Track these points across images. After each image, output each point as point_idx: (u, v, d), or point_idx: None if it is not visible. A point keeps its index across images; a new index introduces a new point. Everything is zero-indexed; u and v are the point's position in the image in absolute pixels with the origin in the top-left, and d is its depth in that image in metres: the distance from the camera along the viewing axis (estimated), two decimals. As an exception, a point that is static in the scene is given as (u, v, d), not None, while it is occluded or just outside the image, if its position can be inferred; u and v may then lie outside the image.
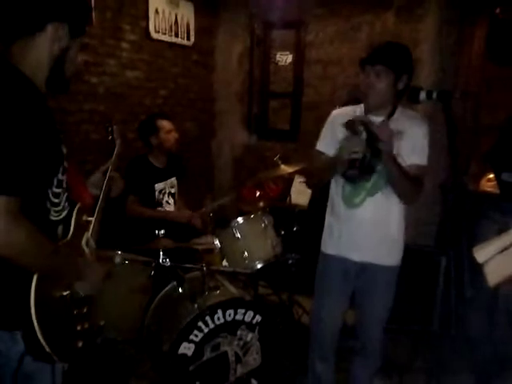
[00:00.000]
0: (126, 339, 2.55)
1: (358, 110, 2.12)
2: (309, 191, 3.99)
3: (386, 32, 4.24)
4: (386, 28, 4.25)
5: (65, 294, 1.33)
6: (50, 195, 1.30)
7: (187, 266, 2.47)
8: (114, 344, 2.59)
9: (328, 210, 2.21)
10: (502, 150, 3.09)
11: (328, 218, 2.21)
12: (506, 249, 2.26)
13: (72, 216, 1.41)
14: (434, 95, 1.88)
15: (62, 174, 1.34)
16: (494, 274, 2.17)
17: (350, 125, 1.90)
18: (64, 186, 1.35)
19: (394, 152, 1.89)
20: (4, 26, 1.27)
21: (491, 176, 3.83)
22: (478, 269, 2.16)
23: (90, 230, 1.53)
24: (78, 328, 1.39)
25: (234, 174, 5.17)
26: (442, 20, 4.05)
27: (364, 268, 2.11)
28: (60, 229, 1.37)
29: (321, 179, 2.20)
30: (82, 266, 1.40)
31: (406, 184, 1.95)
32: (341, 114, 2.12)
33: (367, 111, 2.06)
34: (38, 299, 1.20)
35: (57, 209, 1.34)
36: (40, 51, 1.27)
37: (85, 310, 1.42)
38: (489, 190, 3.84)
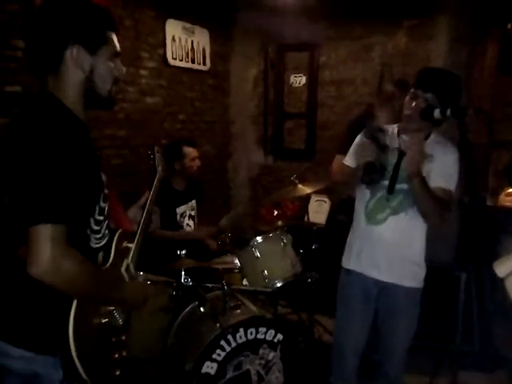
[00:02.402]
0: (148, 359, 2.58)
1: (390, 129, 2.14)
2: (326, 209, 4.02)
3: (398, 52, 4.32)
4: (397, 47, 4.33)
5: (103, 321, 1.33)
6: (92, 222, 1.31)
7: (208, 285, 2.50)
8: (137, 363, 2.62)
9: (352, 225, 2.23)
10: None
11: (351, 234, 2.22)
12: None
13: (112, 242, 1.42)
14: (449, 112, 1.91)
15: (104, 202, 1.35)
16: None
17: (366, 132, 1.96)
18: (105, 213, 1.36)
19: (423, 174, 1.91)
20: (30, 64, 1.30)
21: (510, 191, 3.83)
22: (499, 284, 2.16)
23: (130, 257, 1.52)
24: (116, 356, 1.38)
25: (251, 195, 5.23)
26: (452, 38, 4.11)
27: (384, 288, 2.10)
28: (100, 256, 1.38)
29: (342, 191, 2.23)
30: (124, 292, 1.40)
31: (430, 203, 1.94)
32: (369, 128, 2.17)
33: (403, 131, 2.09)
34: (76, 325, 1.21)
35: (98, 236, 1.35)
36: (69, 80, 1.28)
37: (123, 338, 1.41)
38: (508, 204, 3.83)
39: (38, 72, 1.30)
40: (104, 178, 1.36)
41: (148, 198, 1.82)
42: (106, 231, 1.39)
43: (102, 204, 1.33)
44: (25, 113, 1.25)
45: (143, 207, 1.80)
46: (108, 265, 1.39)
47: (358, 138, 2.15)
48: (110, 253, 1.41)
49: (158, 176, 1.95)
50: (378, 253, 2.07)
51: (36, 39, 1.26)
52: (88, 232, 1.31)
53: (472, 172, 1.94)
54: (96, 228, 1.33)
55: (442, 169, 1.99)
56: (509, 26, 4.76)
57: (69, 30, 1.25)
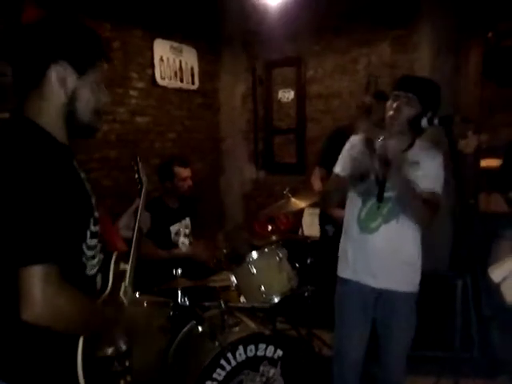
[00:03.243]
0: (149, 381, 2.55)
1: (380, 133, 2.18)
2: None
3: (383, 63, 4.37)
4: (382, 59, 4.39)
5: (109, 353, 1.28)
6: (85, 249, 1.24)
7: (205, 304, 2.49)
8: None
9: (343, 233, 2.24)
10: (508, 171, 3.15)
11: (342, 242, 2.23)
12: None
13: (110, 267, 1.38)
14: (436, 121, 1.94)
15: (95, 225, 1.28)
16: (511, 292, 2.19)
17: (365, 141, 1.99)
18: (98, 236, 1.31)
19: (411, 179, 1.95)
20: (15, 84, 1.23)
21: (502, 195, 3.86)
22: (494, 289, 2.18)
23: (127, 279, 1.49)
24: (122, 383, 1.33)
25: (245, 210, 5.23)
26: (436, 48, 4.17)
27: (381, 295, 2.11)
28: (98, 281, 1.33)
29: (332, 199, 2.28)
30: (125, 321, 1.36)
31: (417, 205, 1.98)
32: (359, 136, 2.21)
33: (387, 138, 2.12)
34: (85, 363, 1.16)
35: (93, 262, 1.29)
36: (51, 100, 1.20)
37: (127, 364, 1.35)
38: (499, 209, 3.86)
39: (22, 93, 1.22)
40: (93, 200, 1.30)
41: (139, 206, 1.79)
42: (101, 255, 1.34)
43: (93, 228, 1.27)
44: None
45: (135, 214, 1.77)
46: (107, 291, 1.36)
47: (349, 147, 2.18)
48: (108, 277, 1.37)
49: (144, 185, 1.92)
50: (372, 261, 2.09)
51: (22, 52, 1.20)
52: (83, 260, 1.25)
53: (461, 179, 1.96)
54: (90, 254, 1.27)
55: (428, 172, 2.02)
56: (489, 34, 4.87)
57: (57, 44, 1.19)
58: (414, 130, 2.03)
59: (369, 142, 2.00)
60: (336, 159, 2.24)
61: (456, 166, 1.94)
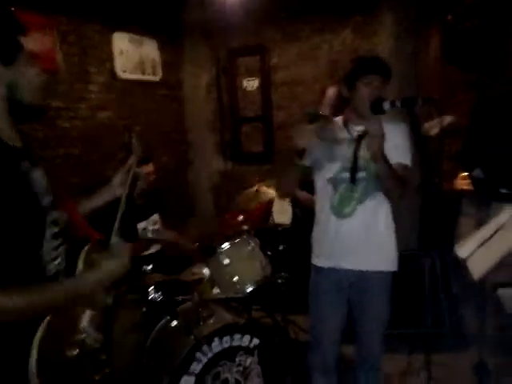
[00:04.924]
0: (126, 378, 2.52)
1: (337, 119, 2.19)
2: (289, 209, 4.03)
3: (345, 48, 4.40)
4: (344, 45, 4.41)
5: (74, 353, 1.25)
6: (44, 253, 1.21)
7: (178, 298, 2.47)
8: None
9: (315, 222, 2.23)
10: (470, 149, 3.22)
11: (316, 231, 2.23)
12: (485, 241, 2.34)
13: (79, 259, 1.34)
14: (398, 103, 1.95)
15: (55, 225, 1.25)
16: (477, 268, 2.25)
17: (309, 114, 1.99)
18: (61, 236, 1.27)
19: None
20: None
21: (465, 174, 3.96)
22: (461, 266, 2.22)
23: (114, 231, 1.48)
24: (97, 378, 1.31)
25: (214, 202, 5.21)
26: (397, 32, 4.22)
27: (357, 277, 2.13)
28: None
29: (285, 185, 2.25)
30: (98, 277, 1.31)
31: (394, 182, 1.99)
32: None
33: (351, 121, 2.11)
34: (41, 365, 1.13)
35: (54, 263, 1.26)
36: None
37: (103, 358, 1.33)
38: (464, 187, 3.96)
39: None
40: (47, 200, 1.25)
41: (131, 164, 1.76)
42: (63, 255, 1.31)
43: (54, 229, 1.24)
44: None
45: (128, 173, 1.75)
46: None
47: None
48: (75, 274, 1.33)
49: (135, 146, 1.87)
50: (350, 244, 2.10)
51: None
52: (43, 263, 1.21)
53: (426, 159, 1.99)
54: (50, 257, 1.24)
55: (396, 145, 2.03)
56: (449, 17, 4.95)
57: None
58: (376, 111, 2.03)
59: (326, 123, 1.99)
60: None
61: (420, 146, 1.96)
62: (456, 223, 3.24)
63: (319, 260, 2.21)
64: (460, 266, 2.38)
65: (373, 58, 2.16)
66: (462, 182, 3.91)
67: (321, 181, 2.16)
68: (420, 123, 1.94)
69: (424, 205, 3.90)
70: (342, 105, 2.39)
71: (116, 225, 1.52)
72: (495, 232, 2.30)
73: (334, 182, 2.10)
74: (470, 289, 2.63)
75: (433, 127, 2.88)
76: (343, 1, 4.30)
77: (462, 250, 2.41)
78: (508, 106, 3.02)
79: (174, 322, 2.43)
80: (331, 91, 3.59)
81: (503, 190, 2.87)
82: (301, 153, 1.92)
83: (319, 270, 2.21)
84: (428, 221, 3.73)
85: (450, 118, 3.27)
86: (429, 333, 2.80)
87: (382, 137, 1.88)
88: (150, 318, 2.49)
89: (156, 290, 2.35)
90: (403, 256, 3.13)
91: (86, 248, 1.38)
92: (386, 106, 1.95)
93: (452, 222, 3.23)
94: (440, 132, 2.69)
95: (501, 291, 2.17)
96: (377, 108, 1.98)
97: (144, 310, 2.43)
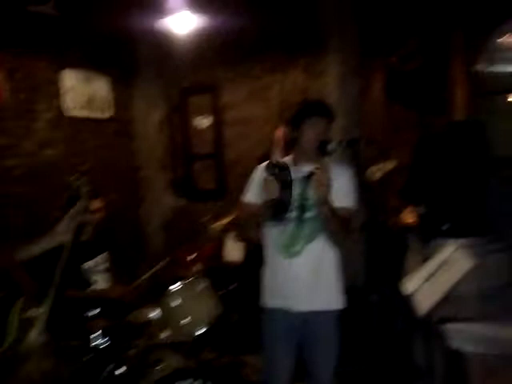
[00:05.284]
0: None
1: (286, 160, 2.22)
2: (241, 247, 4.02)
3: (296, 88, 4.52)
4: (295, 85, 4.54)
5: None
6: None
7: (125, 344, 2.37)
8: None
9: (265, 261, 2.24)
10: (413, 186, 3.35)
11: (266, 271, 2.24)
12: (430, 277, 2.41)
13: (11, 320, 1.26)
14: (343, 145, 2.03)
15: None
16: (423, 303, 2.30)
17: (268, 169, 2.01)
18: None
19: None
20: None
21: (409, 209, 4.09)
22: (408, 301, 2.27)
23: (39, 324, 1.39)
24: None
25: (166, 240, 5.11)
26: (343, 72, 4.39)
27: (307, 317, 2.14)
28: None
29: (249, 229, 2.25)
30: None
31: (338, 225, 2.04)
32: (264, 164, 2.22)
33: (299, 161, 2.16)
34: None
35: None
36: None
37: None
38: (410, 221, 4.08)
39: None
40: None
41: (78, 210, 1.71)
42: None
43: None
44: None
45: (74, 218, 1.69)
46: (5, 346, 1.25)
47: (257, 175, 2.21)
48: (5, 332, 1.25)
49: (83, 192, 1.80)
50: (298, 284, 2.11)
51: None
52: None
53: (369, 198, 2.06)
54: None
55: (341, 188, 2.08)
56: (392, 58, 5.24)
57: None
58: (322, 152, 2.09)
59: (281, 169, 2.03)
60: None
61: (363, 187, 2.03)
62: (404, 258, 3.33)
63: (269, 301, 2.21)
64: (406, 302, 2.44)
65: (317, 102, 2.26)
66: (408, 216, 4.05)
67: (270, 219, 2.17)
68: (363, 163, 2.01)
69: (371, 241, 3.98)
70: (290, 145, 2.46)
71: (56, 277, 1.43)
72: (439, 268, 2.39)
73: (282, 221, 2.11)
74: (417, 324, 2.68)
75: (375, 172, 3.01)
76: (292, 41, 4.45)
77: (409, 286, 2.47)
78: (446, 145, 3.19)
79: (120, 370, 2.32)
80: (280, 132, 3.69)
81: (445, 226, 2.99)
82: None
83: (270, 311, 2.21)
84: (375, 257, 3.81)
85: (392, 164, 3.41)
86: (378, 369, 2.81)
87: (329, 181, 1.94)
88: (93, 366, 2.36)
89: (101, 336, 2.24)
90: (351, 293, 3.19)
91: (19, 302, 1.31)
92: (332, 147, 2.03)
93: (400, 257, 3.31)
94: (383, 176, 2.80)
95: (446, 326, 2.24)
96: (323, 149, 2.04)
97: (87, 357, 2.31)
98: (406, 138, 4.53)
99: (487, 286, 2.87)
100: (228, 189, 4.83)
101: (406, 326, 2.93)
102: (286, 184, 1.97)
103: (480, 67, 4.77)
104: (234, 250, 3.96)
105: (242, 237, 2.57)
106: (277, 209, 1.98)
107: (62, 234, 1.67)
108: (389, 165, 3.34)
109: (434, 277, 2.36)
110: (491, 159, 3.35)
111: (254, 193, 2.20)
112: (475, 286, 2.73)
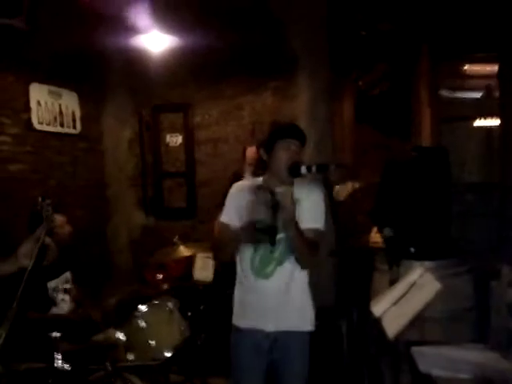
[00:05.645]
0: None
1: (258, 182, 2.23)
2: (211, 266, 3.98)
3: (266, 110, 4.58)
4: (265, 106, 4.59)
5: None
6: None
7: (90, 367, 2.30)
8: None
9: (237, 283, 2.23)
10: (382, 207, 3.41)
11: (238, 292, 2.23)
12: (398, 300, 2.44)
13: None
14: (314, 169, 2.05)
15: None
16: (391, 326, 2.33)
17: (258, 191, 2.01)
18: None
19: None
20: None
21: (376, 229, 4.16)
22: (377, 323, 2.29)
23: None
24: None
25: (133, 258, 5.02)
26: (312, 96, 4.46)
27: (277, 338, 2.13)
28: None
29: (227, 251, 2.24)
30: None
31: (305, 247, 2.06)
32: (242, 186, 2.24)
33: (271, 183, 2.15)
34: None
35: None
36: None
37: None
38: (377, 242, 4.14)
39: None
40: None
41: (42, 232, 1.65)
42: None
43: None
44: None
45: (37, 242, 1.64)
46: None
47: (235, 196, 2.20)
48: None
49: (46, 213, 1.75)
50: (269, 305, 2.12)
51: None
52: None
53: (338, 221, 2.09)
54: None
55: (310, 210, 2.11)
56: (360, 83, 5.39)
57: None
58: (293, 175, 2.11)
59: (261, 191, 2.04)
60: None
61: (333, 210, 2.06)
62: (371, 278, 3.37)
63: (240, 320, 2.20)
64: (375, 324, 2.46)
65: (290, 124, 2.29)
66: (375, 237, 4.12)
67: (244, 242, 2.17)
68: (333, 187, 2.04)
69: (340, 263, 4.02)
70: (261, 166, 2.47)
71: (14, 304, 1.38)
72: (407, 291, 2.42)
73: (256, 243, 2.11)
74: (385, 346, 2.70)
75: (340, 192, 3.06)
76: (263, 64, 4.52)
77: (377, 309, 2.50)
78: (412, 171, 3.27)
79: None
80: (251, 151, 3.73)
81: (413, 249, 3.05)
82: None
83: (239, 330, 2.19)
84: (344, 278, 3.84)
85: (357, 184, 3.48)
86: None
87: (293, 205, 1.96)
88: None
89: (64, 359, 2.16)
90: (320, 315, 3.19)
91: None
92: (303, 170, 2.06)
93: (367, 278, 3.35)
94: (348, 196, 2.85)
95: (414, 349, 2.26)
96: (294, 172, 2.07)
97: (49, 382, 2.22)
98: (372, 159, 4.65)
99: (451, 308, 2.94)
100: (198, 208, 4.81)
101: (374, 350, 2.95)
102: (275, 208, 1.97)
103: (445, 93, 4.97)
104: (203, 270, 3.92)
105: (217, 258, 2.53)
106: (268, 232, 1.98)
107: (23, 257, 1.62)
108: (354, 185, 3.40)
109: (402, 300, 2.39)
110: (454, 185, 3.45)
111: (232, 214, 2.18)
112: (439, 309, 2.79)
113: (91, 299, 3.22)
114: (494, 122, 4.84)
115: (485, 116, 4.98)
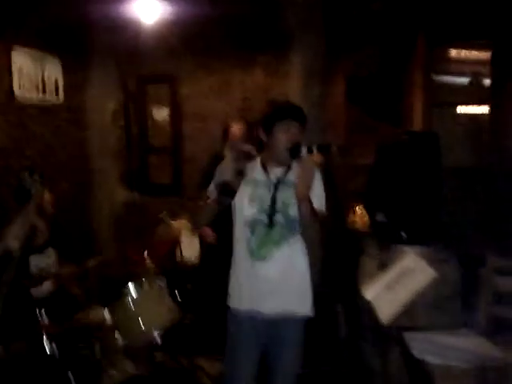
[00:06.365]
0: None
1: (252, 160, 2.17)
2: (197, 243, 3.91)
3: (258, 87, 4.47)
4: (256, 83, 4.48)
5: None
6: None
7: (78, 347, 2.23)
8: None
9: (233, 264, 2.19)
10: (374, 192, 3.39)
11: (234, 274, 2.19)
12: (391, 285, 2.43)
13: None
14: (314, 150, 2.00)
15: None
16: (385, 311, 2.32)
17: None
18: None
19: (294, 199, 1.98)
20: None
21: (359, 212, 4.13)
22: (368, 306, 2.28)
23: None
24: None
25: (118, 235, 4.91)
26: (306, 74, 4.37)
27: (274, 321, 2.11)
28: None
29: (200, 219, 2.25)
30: None
31: (315, 225, 2.02)
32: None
33: (268, 164, 2.12)
34: None
35: None
36: None
37: None
38: (359, 224, 4.13)
39: None
40: None
41: (30, 211, 1.55)
42: None
43: None
44: None
45: (25, 222, 1.57)
46: None
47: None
48: None
49: (34, 192, 1.65)
50: (267, 288, 2.08)
51: None
52: None
53: (337, 201, 2.05)
54: None
55: (313, 191, 2.05)
56: (349, 63, 5.30)
57: None
58: (294, 156, 2.05)
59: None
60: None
61: (332, 187, 2.00)
62: (358, 262, 3.36)
63: (236, 303, 2.17)
64: (367, 307, 2.45)
65: (290, 105, 2.21)
66: (359, 219, 4.10)
67: (238, 223, 2.14)
68: (333, 168, 1.99)
69: (328, 241, 4.00)
70: (256, 145, 2.40)
71: (3, 287, 1.30)
72: (400, 276, 2.42)
73: (252, 224, 2.09)
74: (376, 331, 2.71)
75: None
76: (255, 39, 4.38)
77: (368, 292, 2.49)
78: (404, 156, 3.25)
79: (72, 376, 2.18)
80: (236, 128, 3.54)
81: (403, 234, 3.05)
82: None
83: (235, 312, 2.16)
84: (331, 257, 3.83)
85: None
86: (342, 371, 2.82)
87: (311, 180, 1.94)
88: (45, 372, 2.20)
89: (50, 341, 2.09)
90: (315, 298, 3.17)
91: None
92: (303, 151, 2.00)
93: (353, 261, 3.34)
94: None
95: (406, 335, 2.27)
96: (295, 153, 2.01)
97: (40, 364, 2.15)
98: (359, 141, 4.61)
99: (438, 293, 2.96)
100: (184, 185, 4.71)
101: (366, 333, 2.96)
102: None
103: (435, 77, 4.93)
104: (190, 247, 3.86)
105: (195, 224, 2.48)
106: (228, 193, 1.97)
107: (11, 240, 1.52)
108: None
109: (396, 286, 2.39)
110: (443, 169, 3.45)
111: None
112: (426, 294, 2.81)
113: (73, 275, 3.14)
114: (481, 108, 4.84)
115: (472, 102, 4.97)
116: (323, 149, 2.04)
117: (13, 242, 1.51)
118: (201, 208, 2.22)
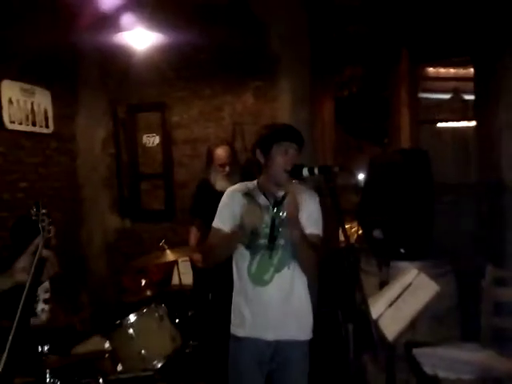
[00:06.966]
0: None
1: (250, 185, 2.16)
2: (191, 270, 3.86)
3: (247, 111, 4.51)
4: (246, 107, 4.52)
5: None
6: None
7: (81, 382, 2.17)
8: None
9: (235, 290, 2.16)
10: (368, 208, 3.41)
11: (236, 299, 2.16)
12: (393, 302, 2.42)
13: None
14: (316, 171, 2.01)
15: None
16: (390, 329, 2.31)
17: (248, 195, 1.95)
18: None
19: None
20: None
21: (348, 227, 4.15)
22: (373, 325, 2.26)
23: None
24: None
25: (109, 263, 4.84)
26: (294, 99, 4.43)
27: (278, 347, 2.08)
28: None
29: (218, 256, 2.16)
30: None
31: (309, 252, 2.01)
32: (236, 190, 2.15)
33: (266, 187, 2.11)
34: None
35: None
36: None
37: None
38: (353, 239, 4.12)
39: None
40: None
41: (39, 245, 1.55)
42: None
43: None
44: None
45: (34, 254, 1.53)
46: None
47: (229, 200, 2.13)
48: None
49: (44, 223, 1.63)
50: (269, 314, 2.06)
51: None
52: None
53: (342, 222, 2.05)
54: None
55: (310, 216, 2.08)
56: (332, 85, 5.39)
57: None
58: (295, 177, 2.06)
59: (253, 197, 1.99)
60: (207, 208, 2.17)
61: (337, 209, 2.01)
62: (354, 280, 3.35)
63: (239, 329, 2.13)
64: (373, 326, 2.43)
65: (287, 127, 2.22)
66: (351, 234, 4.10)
67: (238, 248, 2.11)
68: (336, 188, 1.99)
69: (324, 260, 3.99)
70: (252, 169, 2.40)
71: (15, 323, 1.28)
72: (402, 292, 2.42)
73: (252, 249, 2.07)
74: (383, 350, 2.69)
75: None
76: (244, 65, 4.45)
77: (372, 311, 2.48)
78: (397, 173, 3.28)
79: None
80: (221, 152, 3.54)
81: (402, 250, 3.07)
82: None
83: (239, 339, 2.12)
84: (327, 276, 3.81)
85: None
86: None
87: (299, 204, 1.94)
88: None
89: (53, 376, 2.03)
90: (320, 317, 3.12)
91: None
92: (305, 172, 2.00)
93: (350, 279, 3.33)
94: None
95: (416, 351, 2.26)
96: (296, 173, 2.01)
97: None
98: (344, 160, 4.65)
99: (437, 307, 2.96)
100: (177, 210, 4.69)
101: (368, 350, 2.93)
102: (278, 208, 1.94)
103: (421, 95, 5.05)
104: (186, 273, 3.81)
105: (208, 263, 2.43)
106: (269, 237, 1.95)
107: (20, 273, 1.51)
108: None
109: (398, 302, 2.38)
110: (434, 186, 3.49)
111: (225, 219, 2.11)
112: (426, 309, 2.80)
113: (66, 307, 3.08)
114: (465, 123, 4.96)
115: (456, 118, 5.09)
116: (324, 169, 2.04)
117: (22, 275, 1.49)
118: (218, 243, 2.15)
